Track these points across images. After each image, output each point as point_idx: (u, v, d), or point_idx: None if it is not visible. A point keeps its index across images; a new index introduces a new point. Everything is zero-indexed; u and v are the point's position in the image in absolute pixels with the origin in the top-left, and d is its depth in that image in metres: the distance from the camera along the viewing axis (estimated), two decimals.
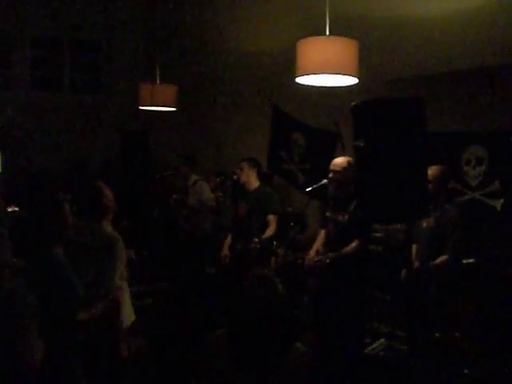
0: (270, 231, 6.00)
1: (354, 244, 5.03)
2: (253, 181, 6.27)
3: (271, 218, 6.09)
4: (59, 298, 3.20)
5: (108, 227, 4.17)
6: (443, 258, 4.85)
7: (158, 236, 7.67)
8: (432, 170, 4.94)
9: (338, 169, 5.15)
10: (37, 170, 7.50)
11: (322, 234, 5.41)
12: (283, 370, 2.45)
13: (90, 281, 3.85)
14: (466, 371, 4.48)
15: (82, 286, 3.36)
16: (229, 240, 6.39)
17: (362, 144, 3.30)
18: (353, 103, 3.43)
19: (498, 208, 5.41)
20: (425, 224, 5.00)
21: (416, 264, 4.90)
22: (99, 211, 4.09)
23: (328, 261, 5.04)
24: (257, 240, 5.79)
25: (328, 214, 5.27)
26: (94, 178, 4.69)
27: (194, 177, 7.36)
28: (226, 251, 6.34)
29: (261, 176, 6.43)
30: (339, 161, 5.22)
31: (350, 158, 5.12)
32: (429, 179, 4.87)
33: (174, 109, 7.29)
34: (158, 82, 7.33)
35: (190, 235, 7.37)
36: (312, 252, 5.34)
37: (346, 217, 5.06)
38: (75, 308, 3.34)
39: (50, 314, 2.96)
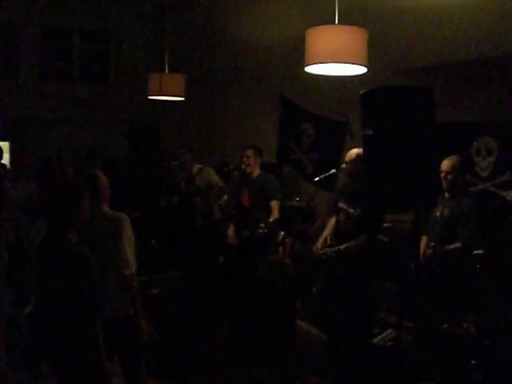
0: (274, 217, 6.00)
1: (361, 238, 5.04)
2: (256, 169, 6.31)
3: (274, 204, 6.11)
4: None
5: (108, 210, 4.30)
6: (457, 244, 4.84)
7: (169, 224, 7.65)
8: (450, 161, 4.93)
9: (346, 160, 5.19)
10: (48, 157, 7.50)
11: (332, 221, 5.42)
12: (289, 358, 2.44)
13: (103, 263, 3.98)
14: (473, 362, 4.46)
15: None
16: (232, 229, 6.41)
17: (370, 132, 3.28)
18: (361, 91, 3.41)
19: (509, 199, 5.38)
20: (438, 213, 4.99)
21: (429, 251, 4.89)
22: (99, 197, 4.22)
23: (334, 255, 5.06)
24: (263, 225, 5.79)
25: (341, 204, 5.26)
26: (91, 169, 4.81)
27: (196, 165, 7.37)
28: (231, 239, 6.36)
29: (262, 164, 6.44)
30: (349, 152, 5.25)
31: (360, 150, 5.10)
32: (447, 169, 4.90)
33: (182, 98, 7.28)
34: (166, 71, 7.33)
35: (206, 217, 7.37)
36: (320, 240, 5.35)
37: (358, 211, 5.06)
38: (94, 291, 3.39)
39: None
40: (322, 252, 5.20)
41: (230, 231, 6.41)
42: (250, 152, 6.26)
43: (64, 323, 3.28)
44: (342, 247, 5.08)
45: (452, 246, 4.85)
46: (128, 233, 4.18)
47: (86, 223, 3.61)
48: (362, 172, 4.93)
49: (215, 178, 7.35)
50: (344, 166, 5.20)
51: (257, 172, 6.31)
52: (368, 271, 5.15)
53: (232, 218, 6.56)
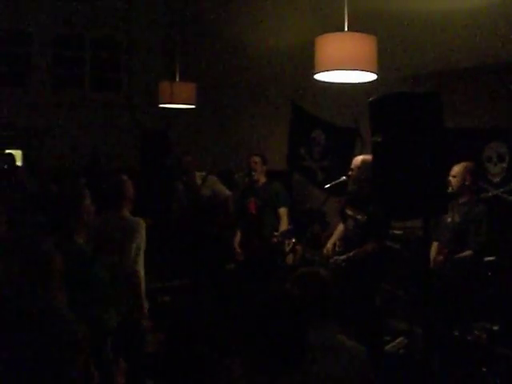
0: (284, 225, 6.03)
1: (370, 244, 5.02)
2: (262, 176, 6.35)
3: (282, 211, 6.15)
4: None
5: (128, 215, 4.46)
6: (468, 252, 4.82)
7: (181, 231, 7.65)
8: (458, 166, 4.92)
9: (352, 166, 5.19)
10: (58, 166, 7.55)
11: (341, 227, 5.41)
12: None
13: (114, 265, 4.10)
14: (484, 369, 4.44)
15: (105, 272, 3.49)
16: (238, 237, 6.41)
17: (379, 139, 3.29)
18: (370, 98, 3.41)
19: None
20: (449, 219, 4.98)
21: (440, 258, 4.88)
22: (122, 202, 4.42)
23: (343, 264, 5.05)
24: (278, 234, 5.81)
25: (348, 211, 5.26)
26: (118, 173, 4.90)
27: (198, 174, 7.36)
28: (238, 248, 6.36)
29: (267, 172, 6.46)
30: (355, 159, 5.26)
31: (365, 157, 5.09)
32: (452, 174, 4.90)
33: (193, 106, 7.31)
34: (177, 79, 7.36)
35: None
36: (329, 245, 5.35)
37: (365, 217, 5.05)
38: (100, 294, 3.41)
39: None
40: (331, 260, 5.18)
41: (237, 239, 6.42)
42: (257, 159, 6.32)
43: None
44: (350, 254, 5.06)
45: (463, 255, 4.84)
46: (141, 236, 4.34)
47: (90, 225, 3.66)
48: (368, 178, 4.95)
49: (220, 186, 7.29)
50: (350, 173, 5.19)
51: (263, 179, 6.35)
52: (378, 278, 5.13)
53: (239, 225, 6.55)
